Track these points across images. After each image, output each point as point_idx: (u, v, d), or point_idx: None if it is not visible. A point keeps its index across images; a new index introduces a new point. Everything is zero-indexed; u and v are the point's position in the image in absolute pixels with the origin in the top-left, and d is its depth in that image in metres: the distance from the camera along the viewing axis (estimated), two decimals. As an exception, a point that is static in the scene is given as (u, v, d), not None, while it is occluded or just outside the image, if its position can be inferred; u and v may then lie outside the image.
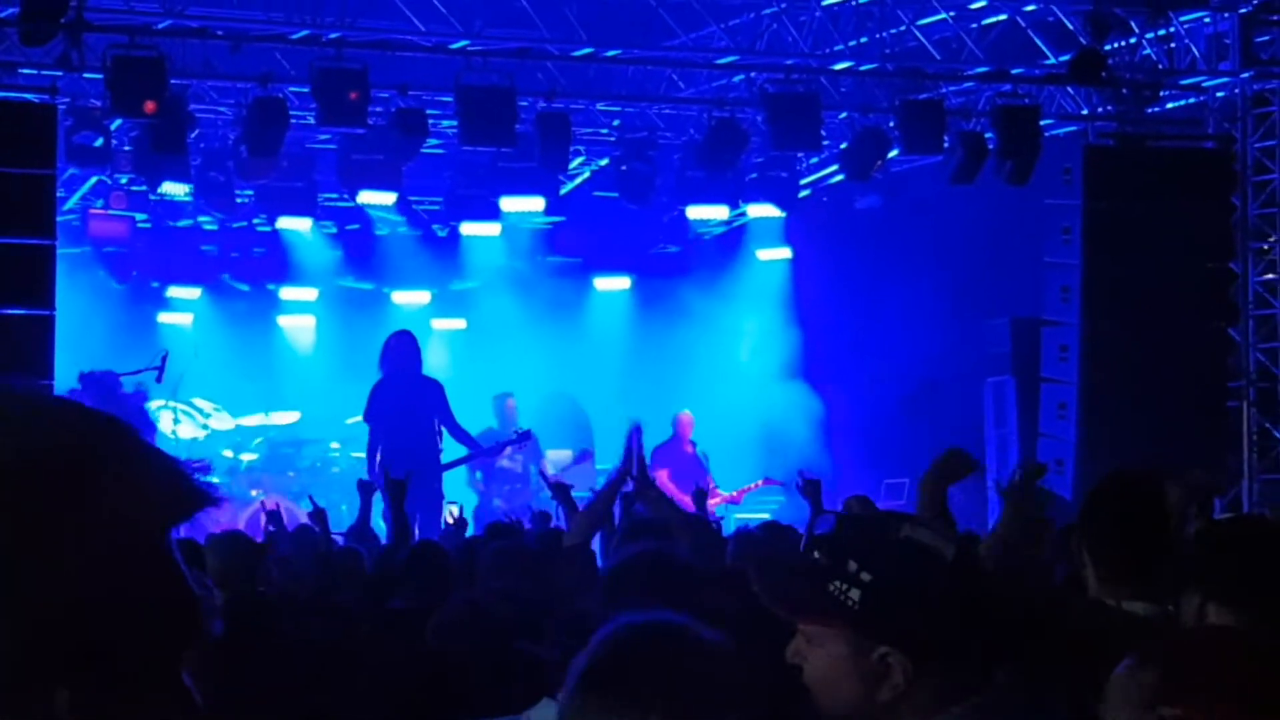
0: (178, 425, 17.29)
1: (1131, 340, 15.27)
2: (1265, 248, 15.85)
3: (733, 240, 20.39)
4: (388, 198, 16.72)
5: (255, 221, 18.86)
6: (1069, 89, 16.07)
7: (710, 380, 19.39)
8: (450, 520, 13.22)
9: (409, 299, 20.14)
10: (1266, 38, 15.65)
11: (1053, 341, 15.64)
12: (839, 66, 15.55)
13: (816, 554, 2.86)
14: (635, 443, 7.97)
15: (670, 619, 2.63)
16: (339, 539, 10.23)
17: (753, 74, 15.55)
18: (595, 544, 7.96)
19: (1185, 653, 2.23)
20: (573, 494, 9.05)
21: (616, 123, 16.71)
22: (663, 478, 15.13)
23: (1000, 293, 17.12)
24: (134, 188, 17.37)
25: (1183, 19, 15.60)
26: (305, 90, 14.35)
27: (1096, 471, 8.33)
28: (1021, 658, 3.46)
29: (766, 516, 14.54)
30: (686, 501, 12.86)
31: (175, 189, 16.19)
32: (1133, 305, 15.29)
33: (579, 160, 17.85)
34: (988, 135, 15.64)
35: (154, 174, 15.59)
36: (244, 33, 14.08)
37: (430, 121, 15.08)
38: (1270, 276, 15.83)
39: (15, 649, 1.27)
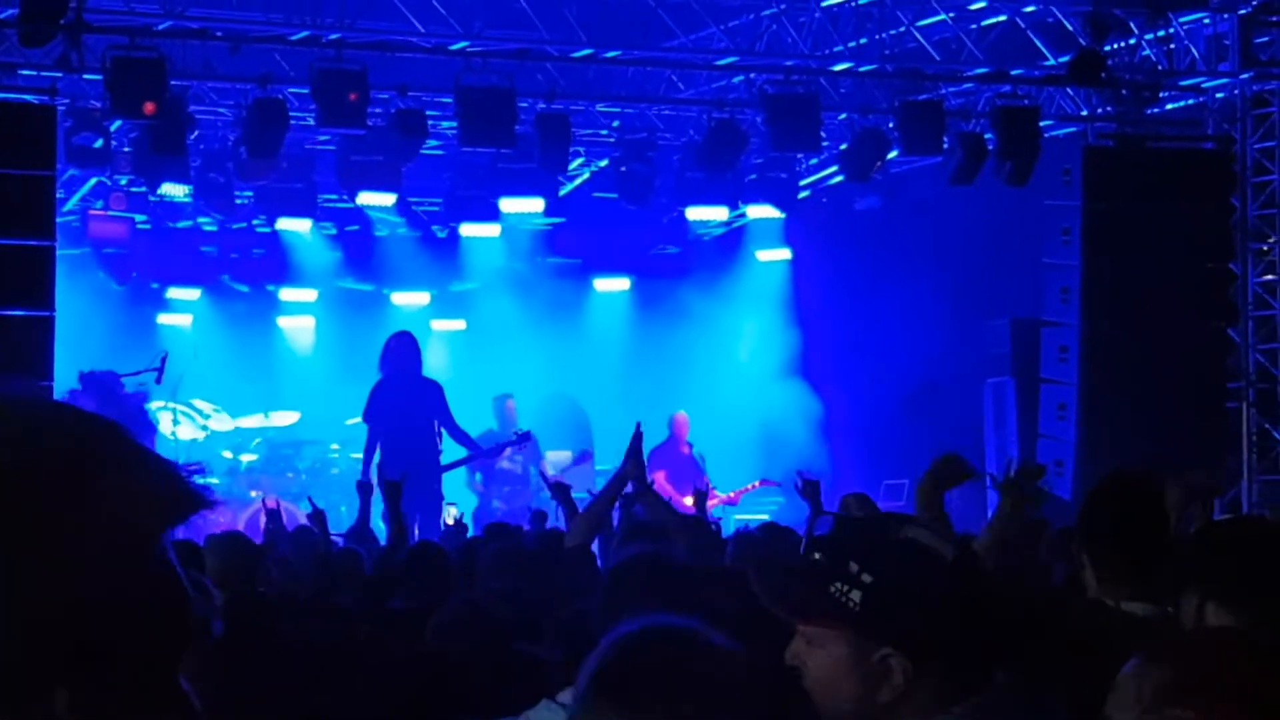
0: (177, 426, 17.29)
1: (1131, 341, 15.28)
2: (1265, 248, 15.85)
3: (732, 241, 20.39)
4: (387, 199, 16.73)
5: (255, 223, 18.86)
6: (1068, 90, 16.07)
7: (710, 381, 19.40)
8: (450, 524, 13.23)
9: (408, 300, 20.14)
10: (1266, 39, 15.66)
11: (1052, 342, 15.65)
12: (838, 67, 15.56)
13: (817, 555, 2.87)
14: (637, 445, 7.98)
15: (682, 623, 2.63)
16: (338, 540, 10.23)
17: (752, 75, 15.56)
18: (594, 546, 7.96)
19: (1194, 653, 2.23)
20: (572, 495, 9.04)
21: (616, 124, 16.71)
22: (660, 479, 15.12)
23: (1000, 294, 17.12)
24: (134, 189, 17.38)
25: (1182, 20, 15.61)
26: (305, 91, 14.35)
27: (1096, 472, 8.32)
28: (1021, 658, 3.45)
29: (766, 518, 14.53)
30: (683, 503, 12.87)
31: (175, 190, 16.20)
32: (1132, 306, 15.30)
33: (578, 161, 17.85)
34: (987, 136, 15.64)
35: (153, 175, 15.60)
36: (244, 34, 14.08)
37: (430, 122, 15.09)
38: (1270, 277, 15.83)
39: (15, 649, 1.27)
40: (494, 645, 5.38)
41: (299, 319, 20.20)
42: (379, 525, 11.20)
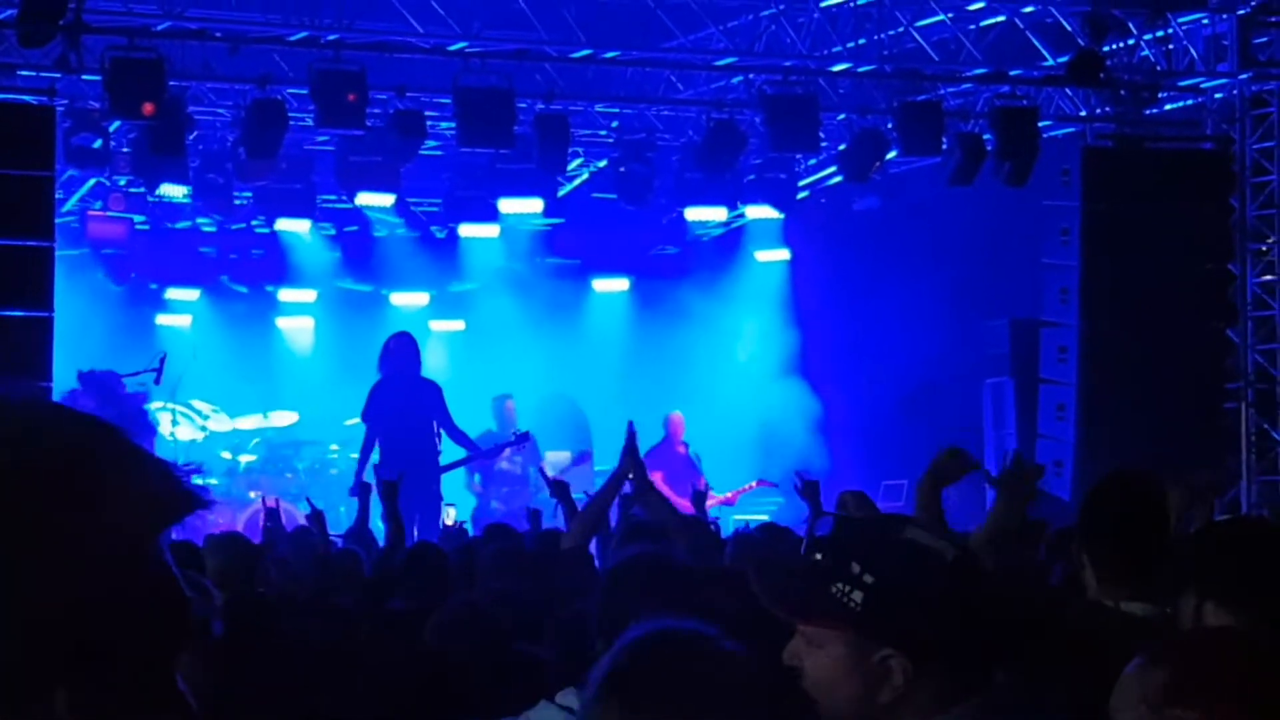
0: (176, 427, 17.28)
1: (1130, 341, 15.28)
2: (1263, 249, 15.86)
3: (731, 241, 20.40)
4: (386, 199, 16.73)
5: (254, 223, 18.86)
6: (1067, 90, 16.07)
7: (709, 381, 19.40)
8: (449, 524, 13.22)
9: (408, 300, 20.14)
10: (1265, 39, 15.66)
11: (1051, 343, 15.65)
12: (837, 68, 15.56)
13: (818, 556, 2.87)
14: (632, 443, 7.97)
15: (693, 627, 2.64)
16: (337, 541, 10.22)
17: (751, 75, 15.56)
18: (592, 546, 7.96)
19: (1194, 653, 2.23)
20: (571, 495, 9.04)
21: (615, 124, 16.71)
22: (657, 480, 15.10)
23: (999, 294, 17.13)
24: (132, 189, 17.38)
25: (1181, 20, 15.61)
26: (304, 92, 14.35)
27: (1095, 472, 8.31)
28: (1021, 658, 3.45)
29: (765, 518, 14.52)
30: (681, 503, 12.85)
31: (174, 191, 16.19)
32: (1131, 306, 15.30)
33: (577, 162, 17.85)
34: (986, 136, 15.64)
35: (152, 176, 15.60)
36: (242, 34, 14.07)
37: (429, 123, 15.09)
38: (1269, 278, 15.83)
39: (15, 649, 1.28)
40: (493, 646, 5.38)
41: (298, 319, 20.20)
42: (378, 526, 11.19)
